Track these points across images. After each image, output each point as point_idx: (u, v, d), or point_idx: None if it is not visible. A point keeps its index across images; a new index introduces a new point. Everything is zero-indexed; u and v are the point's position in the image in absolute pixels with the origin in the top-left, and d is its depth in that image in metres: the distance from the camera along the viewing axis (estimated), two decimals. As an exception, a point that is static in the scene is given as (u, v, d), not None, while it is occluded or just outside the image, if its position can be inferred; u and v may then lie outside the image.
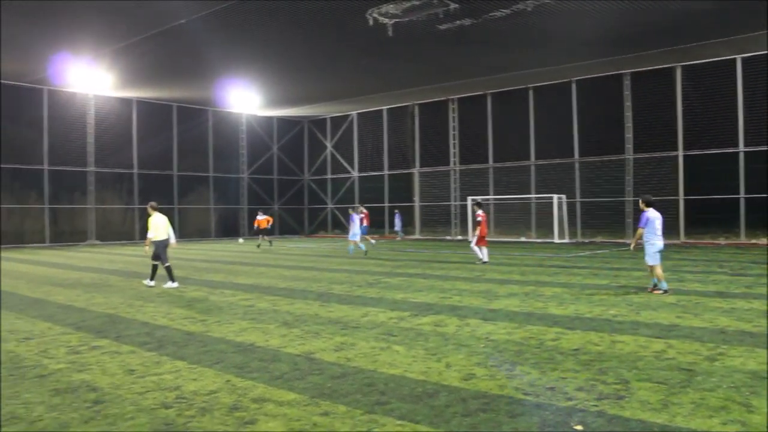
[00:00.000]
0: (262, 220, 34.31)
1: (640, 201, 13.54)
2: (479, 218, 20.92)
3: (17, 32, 25.32)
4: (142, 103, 40.56)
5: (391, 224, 42.38)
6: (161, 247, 15.53)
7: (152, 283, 15.64)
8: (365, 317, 10.57)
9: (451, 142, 40.46)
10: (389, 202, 44.02)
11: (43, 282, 17.01)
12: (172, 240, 15.78)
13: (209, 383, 6.58)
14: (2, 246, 33.83)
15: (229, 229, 45.51)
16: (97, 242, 38.13)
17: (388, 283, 15.57)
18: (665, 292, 12.95)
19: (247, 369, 7.15)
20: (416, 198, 42.31)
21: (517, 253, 25.59)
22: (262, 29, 24.84)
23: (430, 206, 41.81)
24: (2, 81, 34.18)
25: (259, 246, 33.28)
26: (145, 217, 35.19)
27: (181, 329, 9.70)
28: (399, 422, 5.31)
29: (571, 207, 34.11)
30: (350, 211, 27.67)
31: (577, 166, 34.56)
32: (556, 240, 32.92)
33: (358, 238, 26.26)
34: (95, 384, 6.62)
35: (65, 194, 37.62)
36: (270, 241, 35.15)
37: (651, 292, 13.11)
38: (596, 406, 5.67)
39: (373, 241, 31.84)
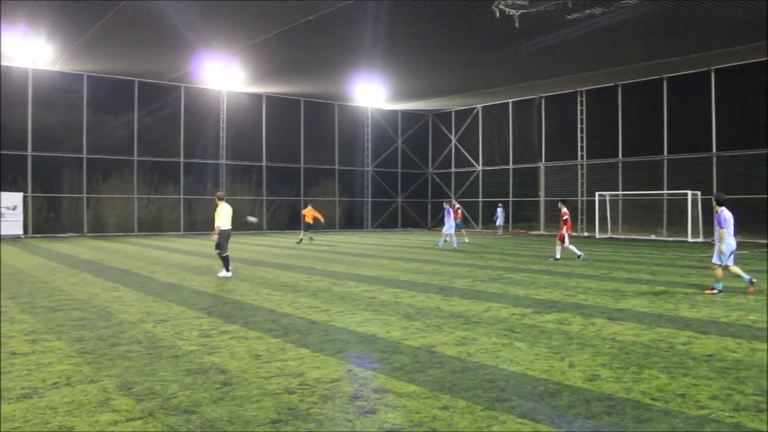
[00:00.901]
0: (309, 212, 31.25)
1: (713, 199, 13.07)
2: (565, 216, 20.54)
3: (161, 33, 26.85)
4: (271, 98, 42.02)
5: (514, 218, 41.81)
6: (225, 236, 16.01)
7: (229, 273, 16.01)
8: (487, 312, 10.46)
9: (579, 135, 39.33)
10: (513, 197, 43.41)
11: (178, 268, 17.98)
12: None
13: (331, 371, 6.71)
14: (141, 233, 36.10)
15: (353, 221, 46.39)
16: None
17: (511, 279, 15.35)
18: (719, 292, 12.68)
19: (368, 359, 7.25)
20: (541, 193, 41.46)
21: (647, 251, 24.56)
22: (388, 24, 25.07)
23: (554, 201, 40.90)
24: (144, 80, 36.39)
25: (300, 242, 30.37)
26: (272, 208, 36.60)
27: (306, 318, 9.96)
28: (519, 420, 5.20)
29: (706, 204, 32.35)
30: (445, 204, 27.74)
31: (714, 160, 32.67)
32: (690, 239, 31.32)
33: (452, 232, 26.39)
34: (224, 366, 6.91)
35: (199, 186, 39.61)
36: (311, 237, 31.95)
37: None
38: (733, 417, 5.32)
39: (466, 239, 31.52)
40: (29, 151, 34.49)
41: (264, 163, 42.07)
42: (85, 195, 36.27)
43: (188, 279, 15.37)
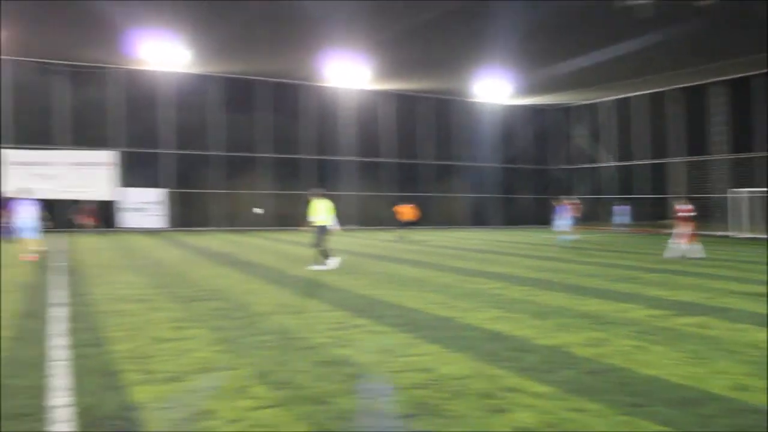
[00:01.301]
0: (405, 208, 30.70)
1: None
2: (684, 213, 19.63)
3: (289, 32, 27.71)
4: (397, 95, 42.41)
5: (642, 216, 40.10)
6: (322, 232, 16.43)
7: (331, 265, 16.37)
8: (620, 313, 10.08)
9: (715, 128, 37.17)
10: (639, 194, 41.64)
11: (308, 261, 18.49)
12: (335, 226, 16.81)
13: (461, 368, 6.68)
14: (272, 228, 37.47)
15: (480, 218, 46.08)
16: (354, 227, 40.66)
17: (646, 279, 14.71)
18: None
19: (498, 357, 7.15)
20: (678, 189, 39.52)
21: (797, 253, 22.88)
22: (515, 18, 24.68)
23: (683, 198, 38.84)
24: (273, 79, 37.70)
25: (400, 238, 30.21)
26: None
27: (435, 314, 9.97)
28: (660, 427, 4.97)
29: None
30: (554, 202, 27.02)
31: None
32: None
33: (566, 229, 25.90)
34: (355, 359, 7.04)
35: (325, 182, 40.65)
36: (402, 236, 30.73)
37: None
38: None
39: (576, 236, 30.40)
40: (171, 149, 36.59)
41: (388, 159, 42.54)
42: (221, 190, 38.06)
43: (318, 273, 15.77)
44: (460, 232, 38.29)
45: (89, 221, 32.38)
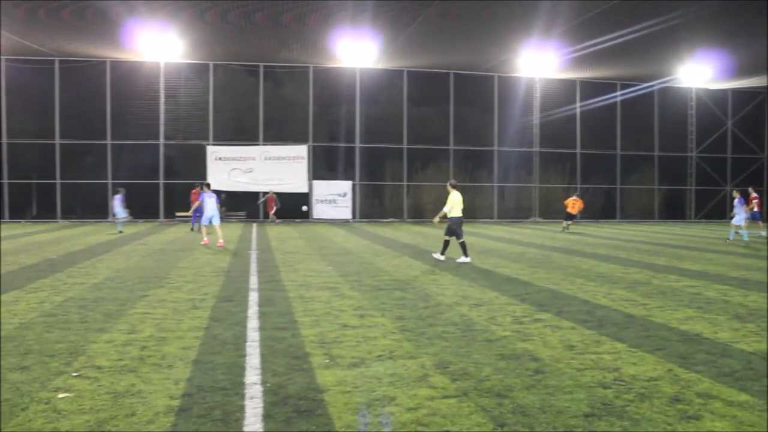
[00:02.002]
0: (573, 201, 30.65)
1: None
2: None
3: (477, 25, 27.65)
4: (585, 83, 40.94)
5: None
6: (457, 223, 16.25)
7: (442, 257, 16.32)
8: (838, 318, 9.04)
9: None
10: None
11: (491, 254, 18.39)
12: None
13: (649, 369, 6.32)
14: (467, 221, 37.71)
15: (674, 211, 43.40)
16: (540, 219, 39.86)
17: None
18: None
19: (691, 360, 6.68)
20: None
21: None
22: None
23: None
24: (459, 71, 37.80)
25: (565, 229, 29.91)
26: (586, 197, 35.57)
27: (622, 311, 9.52)
28: None
29: None
30: (735, 194, 24.47)
31: None
32: None
33: (743, 224, 23.69)
34: (537, 354, 6.88)
35: (512, 173, 40.17)
36: (567, 226, 30.28)
37: None
38: None
39: (762, 233, 27.21)
40: (357, 143, 37.90)
41: (578, 150, 41.22)
42: (405, 183, 38.86)
43: (501, 265, 15.63)
44: (652, 226, 36.25)
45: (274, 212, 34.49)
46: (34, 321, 8.51)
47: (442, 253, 16.68)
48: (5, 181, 35.30)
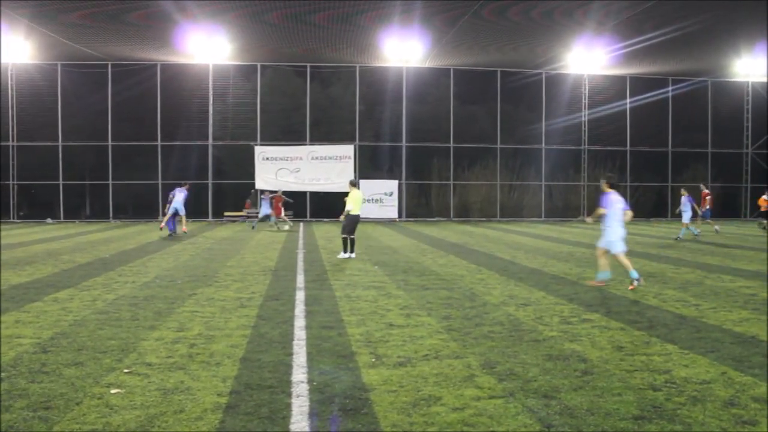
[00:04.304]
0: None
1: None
2: None
3: (525, 23, 27.39)
4: (635, 79, 40.23)
5: None
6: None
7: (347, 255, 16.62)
8: None
9: None
10: None
11: (538, 253, 18.19)
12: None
13: (702, 372, 6.16)
14: (503, 219, 37.36)
15: (728, 210, 42.27)
16: (589, 219, 39.26)
17: None
18: None
19: (747, 363, 6.49)
20: None
21: None
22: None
23: None
24: (506, 69, 37.52)
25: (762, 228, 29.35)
26: (636, 195, 34.93)
27: (673, 311, 9.32)
28: None
29: None
30: (683, 192, 23.96)
31: None
32: None
33: (688, 221, 23.80)
34: (585, 355, 6.78)
35: (560, 171, 39.69)
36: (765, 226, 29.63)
37: None
38: None
39: (717, 228, 26.49)
40: (403, 142, 37.89)
41: (628, 147, 40.51)
42: (451, 182, 38.72)
43: (549, 265, 15.45)
44: (707, 225, 35.33)
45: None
46: (87, 318, 8.72)
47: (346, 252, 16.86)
48: (61, 182, 36.29)
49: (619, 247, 11.74)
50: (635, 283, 11.34)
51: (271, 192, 29.99)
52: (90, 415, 5.01)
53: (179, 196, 24.07)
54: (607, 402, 5.28)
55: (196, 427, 4.75)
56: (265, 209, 28.68)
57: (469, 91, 38.64)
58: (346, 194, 17.28)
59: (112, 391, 5.58)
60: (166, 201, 24.90)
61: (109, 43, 31.82)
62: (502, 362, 6.49)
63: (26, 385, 5.75)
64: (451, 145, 38.43)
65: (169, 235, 23.89)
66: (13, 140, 36.20)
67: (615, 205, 11.74)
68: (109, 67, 35.93)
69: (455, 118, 38.45)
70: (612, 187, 11.94)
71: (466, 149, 38.73)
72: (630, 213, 11.82)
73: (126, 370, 6.20)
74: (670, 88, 40.69)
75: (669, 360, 6.59)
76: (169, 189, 26.11)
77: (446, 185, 38.88)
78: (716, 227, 27.45)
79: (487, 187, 39.24)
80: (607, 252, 11.92)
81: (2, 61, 33.93)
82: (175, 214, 24.11)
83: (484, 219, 38.56)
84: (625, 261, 11.69)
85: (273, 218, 28.73)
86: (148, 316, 8.84)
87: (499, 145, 39.04)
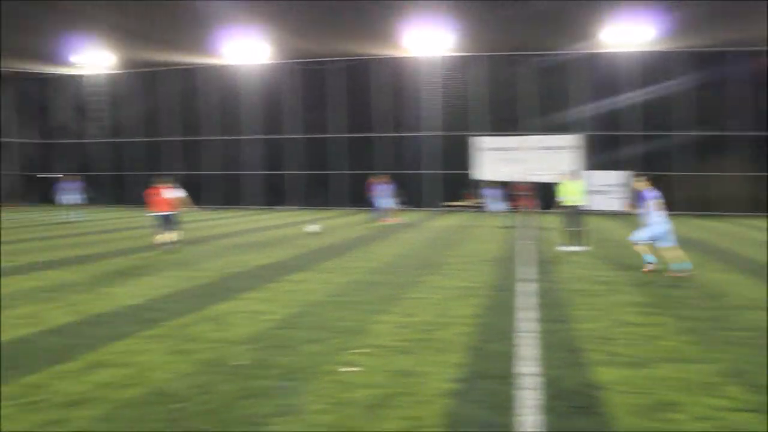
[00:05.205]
0: None
1: None
2: None
3: None
4: None
5: None
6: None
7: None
8: None
9: None
10: None
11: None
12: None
13: None
14: (748, 213, 34.11)
15: None
16: None
17: None
18: None
19: None
20: None
21: None
22: None
23: None
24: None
25: None
26: None
27: None
28: None
29: None
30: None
31: None
32: None
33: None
34: None
35: None
36: None
37: None
38: None
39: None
40: (635, 132, 35.96)
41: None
42: (688, 173, 36.10)
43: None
44: None
45: (525, 203, 32.20)
46: (322, 299, 9.28)
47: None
48: (285, 172, 39.21)
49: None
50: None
51: (505, 183, 29.25)
52: (328, 389, 5.33)
53: (382, 190, 25.63)
54: None
55: (427, 411, 4.85)
56: (496, 202, 27.47)
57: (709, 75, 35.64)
58: (563, 186, 16.71)
59: (348, 369, 5.87)
60: (372, 193, 26.40)
61: (335, 40, 33.55)
62: (753, 372, 5.89)
63: (273, 357, 6.25)
64: (688, 133, 35.72)
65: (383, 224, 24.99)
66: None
67: None
68: (325, 63, 38.08)
69: (693, 105, 35.65)
70: None
71: (704, 138, 35.78)
72: None
73: (359, 351, 6.50)
74: None
75: None
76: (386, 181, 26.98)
77: (683, 176, 36.19)
78: None
79: (726, 177, 35.97)
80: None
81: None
82: (385, 206, 25.58)
83: (722, 213, 35.45)
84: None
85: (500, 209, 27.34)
86: (378, 301, 9.20)
87: (745, 132, 35.57)
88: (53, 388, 5.41)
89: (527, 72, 36.95)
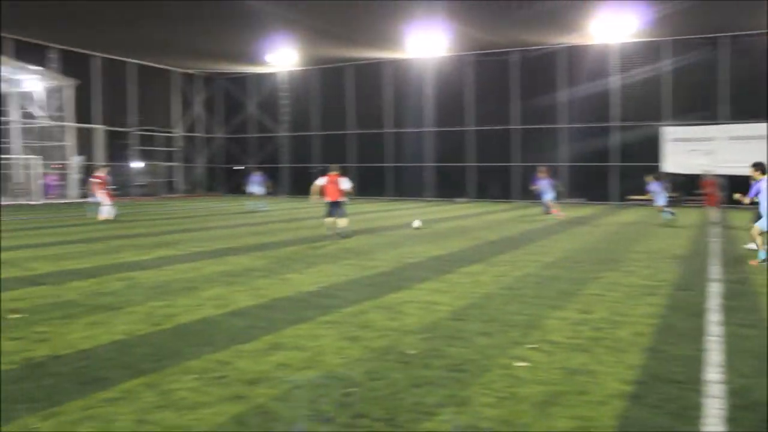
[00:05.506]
0: None
1: None
2: None
3: None
4: None
5: None
6: None
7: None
8: None
9: None
10: None
11: None
12: None
13: None
14: None
15: None
16: None
17: None
18: None
19: None
20: None
21: None
22: None
23: None
24: None
25: None
26: None
27: None
28: None
29: None
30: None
31: None
32: None
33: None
34: None
35: None
36: None
37: None
38: None
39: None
40: None
41: None
42: None
43: None
44: None
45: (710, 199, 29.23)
46: (495, 292, 9.21)
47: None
48: (466, 164, 39.30)
49: None
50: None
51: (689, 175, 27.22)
52: (498, 383, 5.28)
53: (543, 184, 25.48)
54: None
55: (599, 412, 4.67)
56: (661, 196, 24.70)
57: None
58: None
59: (518, 364, 5.78)
60: (536, 186, 26.14)
61: (511, 29, 32.95)
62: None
63: (444, 348, 6.29)
64: None
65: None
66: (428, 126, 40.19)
67: None
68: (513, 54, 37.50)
69: None
70: None
71: None
72: None
73: (531, 346, 6.38)
74: None
75: None
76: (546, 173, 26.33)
77: None
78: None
79: None
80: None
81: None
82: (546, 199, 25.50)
83: None
84: None
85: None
86: (552, 296, 8.98)
87: None
88: (236, 366, 5.79)
89: (721, 55, 34.23)
